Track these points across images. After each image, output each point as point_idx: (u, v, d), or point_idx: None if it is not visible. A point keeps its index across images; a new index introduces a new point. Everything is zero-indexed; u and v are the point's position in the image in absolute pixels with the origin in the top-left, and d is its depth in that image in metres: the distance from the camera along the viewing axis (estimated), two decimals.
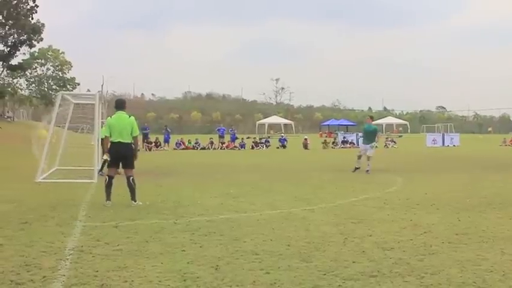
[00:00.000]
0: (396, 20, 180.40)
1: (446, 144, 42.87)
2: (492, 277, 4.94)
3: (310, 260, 5.59)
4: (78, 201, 10.01)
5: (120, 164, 9.86)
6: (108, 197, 9.63)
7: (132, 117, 9.88)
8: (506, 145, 42.31)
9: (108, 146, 9.76)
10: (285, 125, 76.47)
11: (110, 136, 9.67)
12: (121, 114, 9.81)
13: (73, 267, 5.28)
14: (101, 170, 14.96)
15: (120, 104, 10.04)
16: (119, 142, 9.63)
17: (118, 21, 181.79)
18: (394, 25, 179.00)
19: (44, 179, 13.85)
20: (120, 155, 9.69)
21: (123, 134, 9.64)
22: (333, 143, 40.64)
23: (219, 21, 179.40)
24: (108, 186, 9.66)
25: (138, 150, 9.90)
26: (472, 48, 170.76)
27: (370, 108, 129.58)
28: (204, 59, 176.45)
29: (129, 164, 9.74)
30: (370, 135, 17.48)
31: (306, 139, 38.93)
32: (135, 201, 9.61)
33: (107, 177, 9.79)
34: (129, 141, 9.73)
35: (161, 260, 5.62)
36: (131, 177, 9.64)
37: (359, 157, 17.25)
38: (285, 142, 39.76)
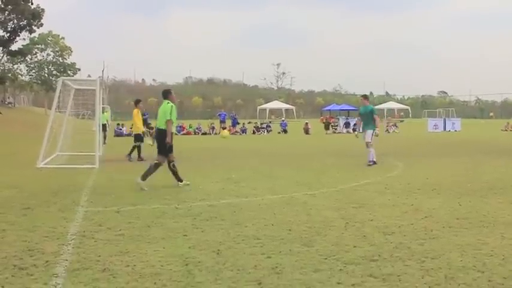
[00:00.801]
0: (397, 4, 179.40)
1: (447, 129, 42.84)
2: (492, 261, 4.96)
3: (311, 245, 5.61)
4: (79, 187, 10.04)
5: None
6: (178, 179, 10.21)
7: (169, 104, 10.14)
8: (508, 130, 42.26)
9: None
10: (286, 110, 76.34)
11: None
12: (164, 103, 10.28)
13: (75, 252, 5.31)
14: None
15: (164, 93, 10.48)
16: (157, 128, 10.28)
17: (117, 6, 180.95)
18: (396, 9, 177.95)
19: (45, 164, 13.87)
20: (157, 140, 10.26)
21: (159, 121, 10.15)
22: (334, 127, 40.58)
23: (219, 5, 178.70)
24: (173, 171, 10.20)
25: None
26: (474, 32, 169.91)
27: (371, 93, 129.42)
28: (205, 43, 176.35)
29: (160, 150, 10.13)
30: (367, 119, 14.70)
31: (307, 123, 38.92)
32: (181, 181, 10.18)
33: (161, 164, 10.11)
34: (163, 127, 10.08)
35: (163, 244, 5.64)
36: (171, 162, 10.13)
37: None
38: (286, 127, 39.78)
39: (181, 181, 10.19)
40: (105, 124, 25.81)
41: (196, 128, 37.46)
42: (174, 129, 10.29)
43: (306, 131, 37.64)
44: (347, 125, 40.90)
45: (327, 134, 37.95)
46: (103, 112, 29.13)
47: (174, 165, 10.16)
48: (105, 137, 23.69)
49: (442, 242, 5.69)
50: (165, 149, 10.05)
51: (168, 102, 10.19)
